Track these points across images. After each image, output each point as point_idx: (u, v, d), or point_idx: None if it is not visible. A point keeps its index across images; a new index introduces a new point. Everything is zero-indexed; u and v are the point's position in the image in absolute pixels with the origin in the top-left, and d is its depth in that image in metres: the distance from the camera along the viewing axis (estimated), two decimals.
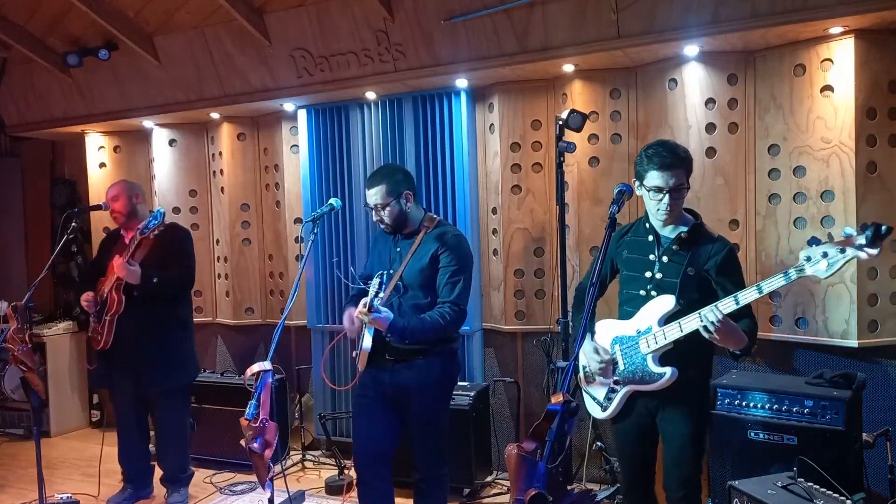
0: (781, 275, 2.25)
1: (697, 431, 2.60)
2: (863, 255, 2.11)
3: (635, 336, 2.56)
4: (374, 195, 3.00)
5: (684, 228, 2.56)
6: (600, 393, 2.69)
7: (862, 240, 2.10)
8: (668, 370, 2.48)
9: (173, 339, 3.91)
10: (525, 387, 4.33)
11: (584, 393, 2.78)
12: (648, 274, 2.58)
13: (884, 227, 2.06)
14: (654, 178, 2.50)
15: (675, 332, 2.44)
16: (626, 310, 2.65)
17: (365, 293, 2.87)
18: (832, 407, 2.94)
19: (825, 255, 2.16)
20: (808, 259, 2.19)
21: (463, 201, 4.23)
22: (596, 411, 2.73)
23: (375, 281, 2.81)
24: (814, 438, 2.93)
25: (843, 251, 2.13)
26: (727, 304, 2.33)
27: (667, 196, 2.49)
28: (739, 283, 2.51)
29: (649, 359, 2.52)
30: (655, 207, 2.55)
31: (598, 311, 2.98)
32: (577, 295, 2.96)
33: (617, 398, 2.63)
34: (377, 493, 3.05)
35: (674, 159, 2.50)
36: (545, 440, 2.04)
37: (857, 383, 3.08)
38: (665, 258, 2.56)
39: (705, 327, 2.33)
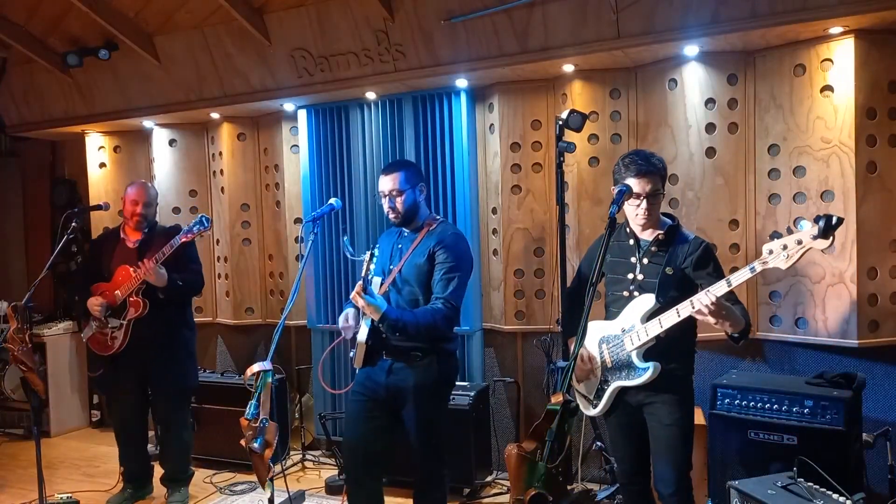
0: (747, 268, 2.36)
1: (683, 423, 2.64)
2: (816, 245, 2.22)
3: (620, 335, 2.66)
4: (391, 181, 2.99)
5: (661, 231, 2.68)
6: (590, 390, 2.76)
7: (815, 231, 2.21)
8: (651, 364, 2.57)
9: (182, 340, 3.94)
10: (525, 387, 4.33)
11: (575, 391, 2.84)
12: (630, 276, 2.69)
13: (834, 219, 2.17)
14: (632, 185, 2.61)
15: (655, 327, 2.54)
16: (612, 310, 2.76)
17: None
18: (832, 407, 2.95)
19: (785, 247, 2.27)
20: (770, 252, 2.30)
21: (463, 201, 4.23)
22: (587, 409, 2.80)
23: (367, 254, 2.80)
24: (814, 438, 2.94)
25: (799, 243, 2.25)
26: (719, 287, 2.41)
27: (644, 202, 2.61)
28: (718, 272, 2.62)
29: (633, 355, 2.61)
30: (634, 213, 2.66)
31: (592, 312, 3.01)
32: (565, 301, 3.04)
33: (606, 395, 2.70)
34: (366, 492, 3.04)
35: (649, 167, 2.62)
36: (545, 440, 2.05)
37: (857, 383, 3.09)
38: (645, 260, 2.68)
39: (699, 311, 2.40)
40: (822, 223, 2.18)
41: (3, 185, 6.03)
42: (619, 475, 2.92)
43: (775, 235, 2.28)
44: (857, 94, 3.29)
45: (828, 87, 3.37)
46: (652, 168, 2.62)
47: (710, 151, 3.67)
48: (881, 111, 3.33)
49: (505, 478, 4.19)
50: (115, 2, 4.33)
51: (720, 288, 2.40)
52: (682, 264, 2.63)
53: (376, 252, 2.84)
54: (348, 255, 3.20)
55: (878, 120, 3.33)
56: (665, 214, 2.76)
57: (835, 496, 2.51)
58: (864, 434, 3.13)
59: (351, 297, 2.85)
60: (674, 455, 2.64)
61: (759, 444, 3.06)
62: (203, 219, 3.65)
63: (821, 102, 3.39)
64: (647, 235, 2.70)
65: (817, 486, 2.59)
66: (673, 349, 2.61)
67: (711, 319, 2.41)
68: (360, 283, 2.77)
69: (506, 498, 4.00)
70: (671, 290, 2.60)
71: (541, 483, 1.97)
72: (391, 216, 3.05)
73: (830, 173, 3.38)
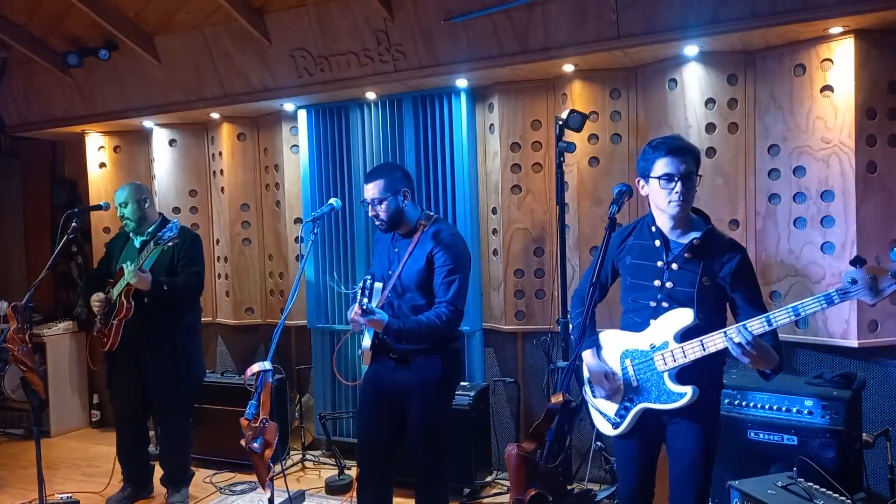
0: (822, 297, 2.08)
1: (710, 446, 2.43)
2: None
3: (648, 351, 2.40)
4: (372, 190, 2.98)
5: (696, 234, 2.39)
6: (611, 409, 2.53)
7: None
8: (688, 389, 2.33)
9: (179, 344, 3.92)
10: (525, 387, 4.33)
11: (592, 409, 2.63)
12: (657, 283, 2.41)
13: None
14: (663, 165, 2.34)
15: (696, 351, 2.29)
16: (634, 319, 2.49)
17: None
18: (832, 407, 2.95)
19: (873, 279, 1.98)
20: (853, 282, 2.02)
21: (463, 201, 4.23)
22: (606, 428, 2.57)
23: (359, 287, 2.77)
24: (814, 438, 2.93)
25: (895, 276, 1.95)
26: (757, 326, 2.19)
27: (678, 184, 2.32)
28: (756, 290, 2.40)
29: (666, 377, 2.36)
30: (667, 199, 2.36)
31: (599, 314, 2.94)
32: (574, 301, 2.81)
33: (630, 415, 2.47)
34: (376, 490, 3.06)
35: (683, 144, 2.39)
36: (545, 440, 2.05)
37: (857, 383, 3.09)
38: (675, 265, 2.38)
39: (735, 347, 2.19)
40: None
41: (3, 185, 6.03)
42: (621, 494, 2.66)
43: (858, 262, 1.99)
44: (857, 94, 3.29)
45: (828, 87, 3.37)
46: (686, 147, 2.36)
47: (711, 151, 3.67)
48: (881, 111, 3.33)
49: (505, 478, 4.19)
50: (115, 2, 4.33)
51: (758, 326, 2.16)
52: (719, 273, 2.35)
53: (369, 282, 2.78)
54: (336, 288, 3.12)
55: (878, 120, 3.33)
56: (696, 211, 2.47)
57: (835, 496, 2.51)
58: (864, 434, 3.13)
59: (350, 317, 2.81)
60: (696, 477, 2.41)
61: (759, 444, 3.06)
62: (172, 226, 3.55)
63: (821, 102, 3.39)
64: (677, 237, 2.42)
65: (817, 486, 2.59)
66: (706, 367, 2.36)
67: (745, 359, 2.20)
68: (357, 305, 2.73)
69: (506, 498, 3.99)
70: (709, 304, 2.35)
71: (541, 483, 1.97)
72: (377, 223, 3.05)
73: (830, 173, 3.38)
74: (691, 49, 3.57)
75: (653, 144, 2.42)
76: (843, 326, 3.36)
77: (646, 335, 2.43)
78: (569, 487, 3.69)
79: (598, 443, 3.73)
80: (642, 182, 2.45)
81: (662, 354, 2.36)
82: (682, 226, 2.42)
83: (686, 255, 2.38)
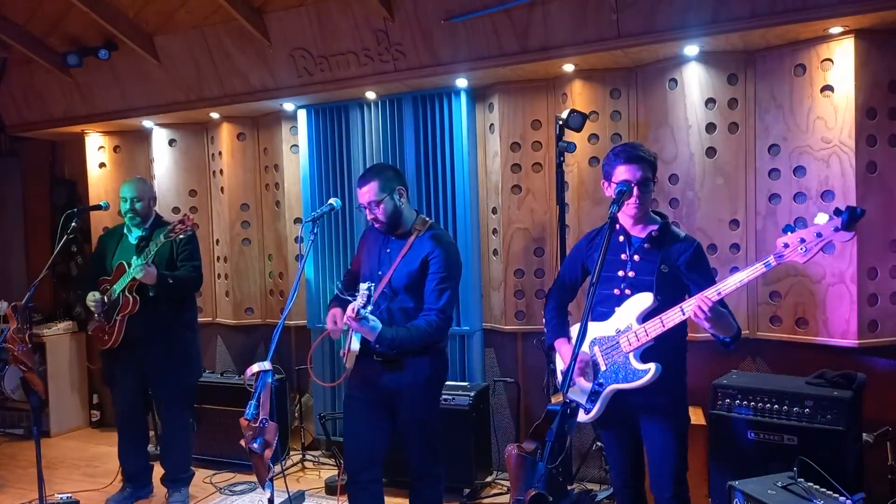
0: (761, 264, 2.28)
1: (679, 427, 2.62)
2: (838, 238, 2.17)
3: (615, 336, 2.57)
4: (367, 193, 2.94)
5: (654, 227, 2.63)
6: (583, 395, 2.67)
7: (837, 223, 2.15)
8: (651, 366, 2.49)
9: (180, 340, 3.93)
10: (525, 387, 4.33)
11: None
12: (621, 273, 2.62)
13: (858, 210, 2.12)
14: (622, 172, 2.57)
15: (657, 328, 2.46)
16: (600, 310, 2.65)
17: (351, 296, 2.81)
18: (832, 407, 2.95)
19: (802, 241, 2.21)
20: (786, 246, 2.24)
21: (463, 201, 4.23)
22: (580, 415, 2.67)
23: (363, 289, 2.71)
24: (814, 438, 2.94)
25: (819, 235, 2.19)
26: (729, 285, 2.35)
27: (635, 188, 2.55)
28: (709, 276, 2.59)
29: (631, 356, 2.53)
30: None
31: (572, 309, 3.01)
32: (548, 303, 2.92)
33: (600, 399, 2.61)
34: (367, 495, 3.02)
35: (640, 153, 2.60)
36: (545, 440, 2.05)
37: (857, 383, 3.09)
38: (636, 257, 2.61)
39: (695, 315, 2.36)
40: (844, 215, 2.11)
41: (3, 185, 6.03)
42: (614, 480, 2.85)
43: (788, 228, 2.25)
44: (857, 94, 3.29)
45: (828, 87, 3.37)
46: (642, 155, 2.59)
47: (711, 151, 3.67)
48: (881, 111, 3.33)
49: (505, 478, 4.19)
50: (115, 2, 4.33)
51: (730, 285, 2.32)
52: (676, 261, 2.57)
53: (373, 289, 2.74)
54: (340, 294, 3.05)
55: (878, 120, 3.33)
56: (655, 212, 2.71)
57: (835, 496, 2.51)
58: (864, 434, 3.13)
59: (344, 320, 2.77)
60: (671, 460, 2.60)
61: (759, 444, 3.06)
62: (184, 217, 3.63)
63: (821, 102, 3.39)
64: (638, 232, 2.64)
65: (817, 486, 2.59)
66: (667, 349, 2.54)
67: (706, 324, 2.38)
68: (352, 307, 2.70)
69: (506, 498, 3.99)
70: (668, 289, 2.54)
71: (541, 483, 1.97)
72: (376, 226, 3.01)
73: (830, 173, 3.38)
74: (691, 49, 3.57)
75: (615, 152, 2.64)
76: (843, 326, 3.36)
77: (612, 322, 2.60)
78: (569, 487, 3.69)
79: (599, 443, 3.73)
80: (606, 184, 2.67)
81: (627, 336, 2.53)
82: (642, 223, 2.64)
83: (645, 245, 2.61)
